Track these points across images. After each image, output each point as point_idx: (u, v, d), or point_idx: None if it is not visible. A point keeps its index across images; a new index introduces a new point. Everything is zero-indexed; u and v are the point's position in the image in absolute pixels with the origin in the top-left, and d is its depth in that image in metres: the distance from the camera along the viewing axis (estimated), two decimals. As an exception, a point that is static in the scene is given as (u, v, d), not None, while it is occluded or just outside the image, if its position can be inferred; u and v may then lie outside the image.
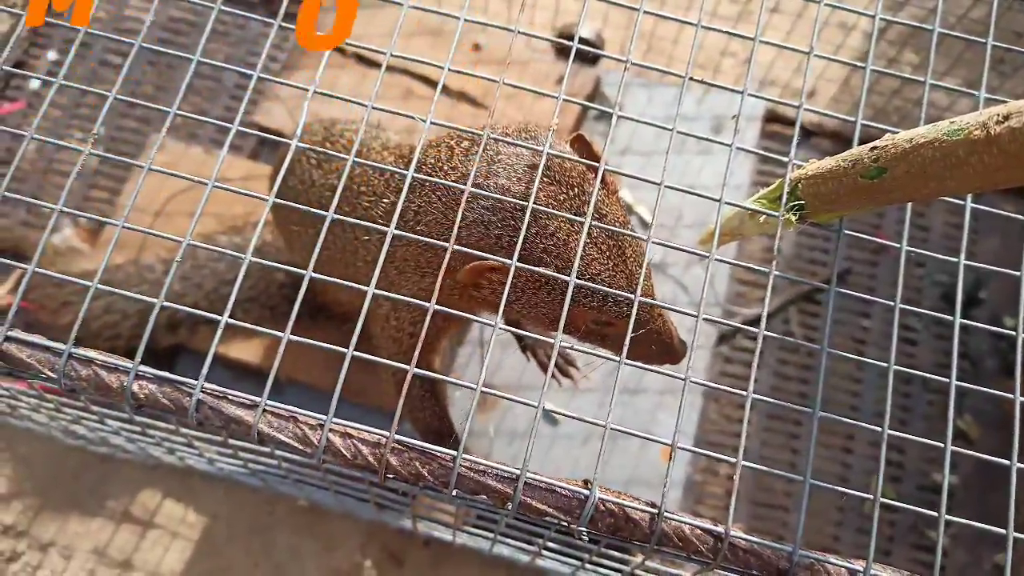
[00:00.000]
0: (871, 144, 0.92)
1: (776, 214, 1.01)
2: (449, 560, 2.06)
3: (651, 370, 0.98)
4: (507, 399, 0.90)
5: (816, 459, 2.25)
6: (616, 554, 1.28)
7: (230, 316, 0.88)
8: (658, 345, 1.19)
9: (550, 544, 1.28)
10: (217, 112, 2.50)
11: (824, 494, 2.19)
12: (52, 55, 2.54)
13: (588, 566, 1.33)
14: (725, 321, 0.96)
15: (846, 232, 1.07)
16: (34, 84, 2.49)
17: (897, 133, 0.90)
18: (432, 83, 2.40)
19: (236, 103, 2.53)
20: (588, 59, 2.47)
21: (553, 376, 1.78)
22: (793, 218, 1.00)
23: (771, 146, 2.53)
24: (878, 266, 2.44)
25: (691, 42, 2.42)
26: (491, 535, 1.39)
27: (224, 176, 2.25)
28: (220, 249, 0.94)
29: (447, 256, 0.93)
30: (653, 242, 0.99)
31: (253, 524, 2.08)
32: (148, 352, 0.90)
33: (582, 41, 2.43)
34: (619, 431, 0.90)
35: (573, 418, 0.91)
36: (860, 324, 2.39)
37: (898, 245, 1.05)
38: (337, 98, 1.06)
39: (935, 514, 0.94)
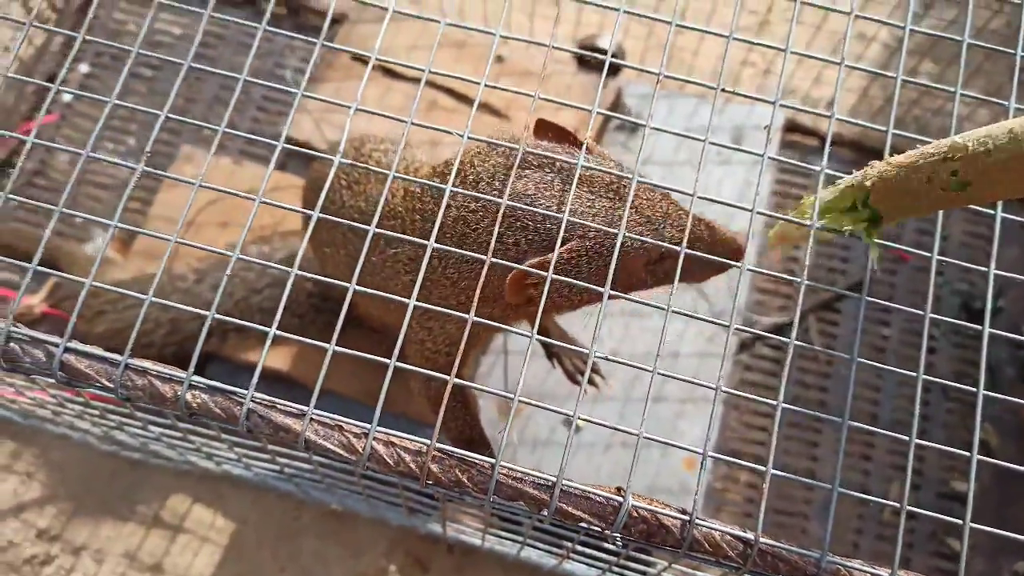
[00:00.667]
0: (943, 155, 0.89)
1: (807, 223, 1.03)
2: (473, 565, 2.09)
3: (679, 378, 1.01)
4: (542, 407, 0.93)
5: (834, 468, 2.26)
6: (642, 557, 1.31)
7: (262, 323, 0.92)
8: (719, 248, 1.20)
9: (578, 548, 1.31)
10: (245, 124, 2.55)
11: (843, 501, 2.21)
12: (84, 68, 2.60)
13: (614, 569, 1.36)
14: (754, 331, 0.99)
15: (880, 242, 1.08)
16: (67, 96, 2.55)
17: (962, 137, 0.89)
18: (456, 95, 2.43)
19: (263, 115, 2.58)
20: (609, 70, 2.50)
21: (578, 383, 1.81)
22: (862, 227, 0.99)
23: (791, 155, 2.55)
24: (897, 274, 2.46)
25: (711, 53, 2.45)
26: (519, 539, 1.42)
27: (252, 187, 2.30)
28: (268, 263, 0.97)
29: (483, 272, 0.96)
30: (686, 252, 1.02)
31: (280, 529, 2.12)
32: (179, 359, 0.94)
33: (603, 51, 2.46)
34: (652, 439, 0.93)
35: (607, 427, 0.94)
36: (880, 332, 2.41)
37: (928, 254, 1.06)
38: (379, 115, 1.09)
39: (959, 521, 0.96)
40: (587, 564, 1.46)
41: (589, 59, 2.47)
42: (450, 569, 2.10)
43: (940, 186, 0.89)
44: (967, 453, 0.99)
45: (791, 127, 2.52)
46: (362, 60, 2.47)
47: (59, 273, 1.02)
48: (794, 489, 2.24)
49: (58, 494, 2.13)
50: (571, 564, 1.62)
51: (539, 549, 1.46)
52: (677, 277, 1.01)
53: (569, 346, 1.03)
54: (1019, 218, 1.25)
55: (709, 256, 1.06)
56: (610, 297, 0.97)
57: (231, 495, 2.14)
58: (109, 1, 2.68)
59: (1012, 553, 2.17)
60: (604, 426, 0.95)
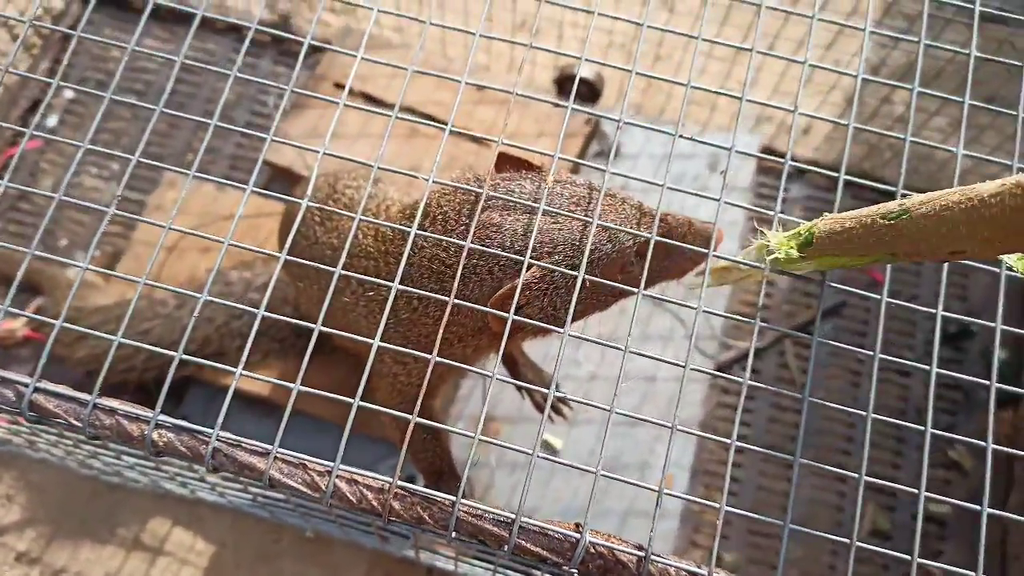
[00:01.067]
0: (875, 221, 0.93)
1: (760, 266, 1.06)
2: (452, 588, 2.11)
3: (643, 419, 1.04)
4: (504, 447, 0.95)
5: (811, 489, 2.29)
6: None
7: (235, 348, 0.95)
8: (692, 239, 1.25)
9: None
10: (228, 149, 2.58)
11: (821, 523, 2.24)
12: (68, 94, 2.62)
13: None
14: (710, 371, 1.02)
15: (831, 284, 1.11)
16: (51, 122, 2.57)
17: (885, 207, 0.92)
18: (437, 121, 2.47)
19: (246, 140, 2.61)
20: (587, 99, 2.54)
21: (546, 413, 1.82)
22: (794, 247, 1.02)
23: (766, 181, 2.59)
24: (870, 300, 2.50)
25: (705, 91, 2.50)
26: (491, 567, 1.44)
27: (233, 212, 2.32)
28: (234, 304, 1.00)
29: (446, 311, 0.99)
30: (645, 295, 1.05)
31: (260, 552, 2.13)
32: (160, 383, 0.96)
33: (583, 81, 2.50)
34: (609, 477, 0.96)
35: (567, 464, 0.96)
36: (856, 356, 2.44)
37: (878, 297, 1.09)
38: (347, 160, 1.12)
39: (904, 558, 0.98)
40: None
41: (568, 87, 2.51)
42: (428, 592, 2.11)
43: (882, 214, 0.91)
44: (906, 492, 1.01)
45: (765, 151, 2.56)
46: (343, 86, 2.49)
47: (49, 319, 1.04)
48: (772, 511, 2.26)
49: (37, 517, 2.14)
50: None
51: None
52: (645, 274, 1.04)
53: (531, 386, 1.06)
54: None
55: (679, 244, 1.11)
56: (574, 321, 1.00)
57: (210, 518, 2.16)
58: (94, 28, 2.70)
59: (986, 573, 2.20)
60: (565, 464, 0.98)
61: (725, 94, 1.15)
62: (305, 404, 2.06)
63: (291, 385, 0.96)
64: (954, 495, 2.30)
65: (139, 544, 2.14)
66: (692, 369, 1.01)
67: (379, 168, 1.08)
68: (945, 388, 2.41)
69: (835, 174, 1.12)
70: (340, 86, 2.54)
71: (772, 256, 1.06)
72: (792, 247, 1.01)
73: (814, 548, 2.23)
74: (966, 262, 1.16)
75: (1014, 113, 1.15)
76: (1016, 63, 1.19)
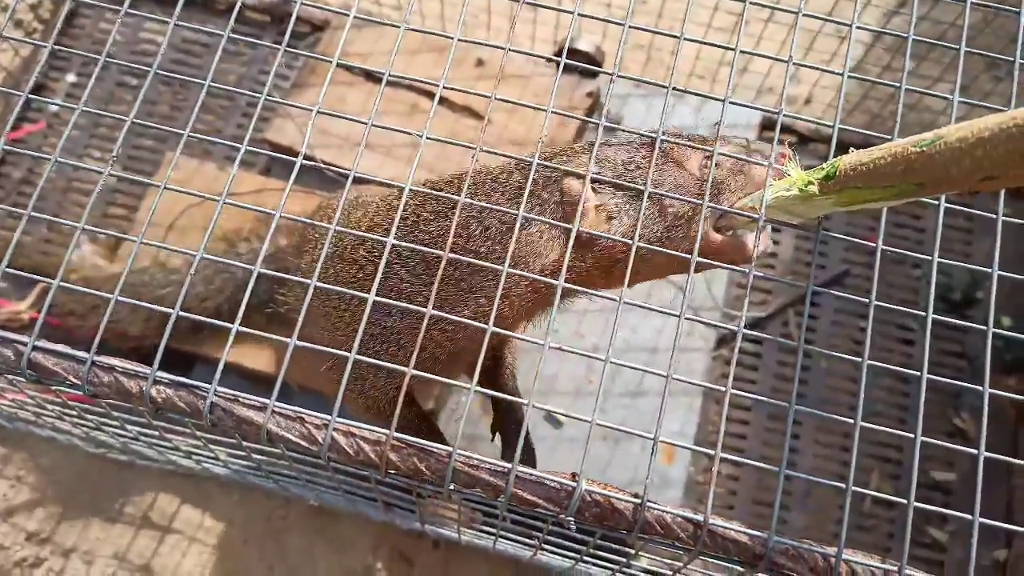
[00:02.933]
0: (903, 154, 0.91)
1: (755, 216, 1.06)
2: (458, 560, 2.12)
3: (635, 367, 1.04)
4: (498, 397, 0.96)
5: (815, 457, 2.29)
6: (614, 547, 1.33)
7: (244, 320, 0.95)
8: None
9: (549, 539, 1.34)
10: (230, 130, 2.59)
11: (825, 493, 2.24)
12: (71, 77, 2.63)
13: (586, 560, 1.39)
14: (698, 319, 1.02)
15: (836, 235, 1.10)
16: (53, 106, 2.58)
17: (918, 138, 0.90)
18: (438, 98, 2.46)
19: (248, 120, 2.61)
20: (588, 72, 2.53)
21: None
22: (815, 183, 1.00)
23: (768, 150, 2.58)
24: (873, 268, 2.49)
25: (690, 53, 2.47)
26: (493, 532, 1.45)
27: (236, 191, 2.33)
28: (230, 262, 1.00)
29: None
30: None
31: (267, 528, 2.15)
32: (169, 353, 0.97)
33: (582, 54, 2.50)
34: (604, 426, 0.96)
35: (560, 414, 0.96)
36: (858, 325, 2.43)
37: (873, 245, 1.09)
38: (340, 116, 1.12)
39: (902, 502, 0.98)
40: (561, 556, 1.49)
41: (569, 59, 2.50)
42: (435, 564, 2.12)
43: (913, 142, 0.89)
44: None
45: (768, 125, 2.55)
46: (345, 66, 2.49)
47: (46, 280, 1.05)
48: (775, 481, 2.26)
49: (47, 497, 2.16)
50: (548, 556, 1.64)
51: (513, 541, 1.49)
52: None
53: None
54: (986, 214, 1.25)
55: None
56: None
57: (218, 495, 2.17)
58: (96, 11, 2.71)
59: (991, 541, 2.20)
60: (558, 413, 0.98)
61: (719, 46, 1.14)
62: (307, 379, 2.07)
63: (287, 340, 0.96)
64: (959, 462, 2.30)
65: (148, 522, 2.15)
66: (686, 318, 1.01)
67: (373, 126, 1.08)
68: (949, 356, 2.40)
69: (828, 124, 1.11)
70: (341, 64, 2.54)
71: (789, 194, 1.04)
72: (813, 182, 1.00)
73: (819, 515, 2.23)
74: (973, 211, 1.16)
75: (1010, 59, 1.14)
76: (1014, 9, 1.18)
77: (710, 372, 2.29)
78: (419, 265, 1.30)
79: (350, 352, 0.94)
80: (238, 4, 1.19)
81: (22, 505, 2.16)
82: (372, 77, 2.51)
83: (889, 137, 1.07)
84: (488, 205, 1.07)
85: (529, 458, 1.61)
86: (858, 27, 1.15)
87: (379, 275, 0.97)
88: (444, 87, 1.14)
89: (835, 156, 1.03)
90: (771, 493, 2.26)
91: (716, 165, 1.22)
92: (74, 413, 1.34)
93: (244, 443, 1.26)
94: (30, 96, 1.13)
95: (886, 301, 1.13)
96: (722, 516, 0.94)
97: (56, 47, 1.15)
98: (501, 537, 1.46)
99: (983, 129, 0.82)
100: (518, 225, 1.02)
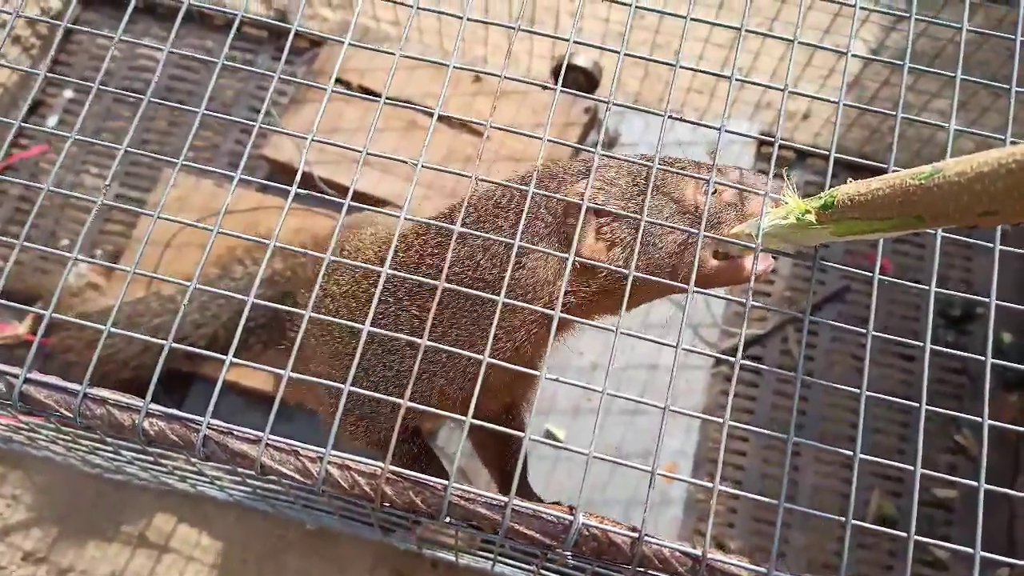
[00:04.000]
0: (901, 186, 0.90)
1: (750, 245, 1.05)
2: (457, 581, 2.11)
3: (634, 399, 1.03)
4: (496, 429, 0.95)
5: (815, 476, 2.28)
6: (611, 574, 1.32)
7: (241, 341, 0.95)
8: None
9: (547, 565, 1.33)
10: (228, 146, 2.58)
11: (825, 510, 2.22)
12: (69, 94, 2.63)
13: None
14: (701, 351, 1.01)
15: (833, 264, 1.10)
16: (51, 122, 2.58)
17: (916, 171, 0.89)
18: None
19: (247, 136, 2.61)
20: (586, 88, 2.53)
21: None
22: (813, 212, 0.99)
23: (766, 168, 2.57)
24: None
25: (691, 70, 2.47)
26: (491, 556, 1.44)
27: (234, 208, 2.33)
28: (222, 291, 1.00)
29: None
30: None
31: (265, 548, 2.14)
32: (169, 378, 0.96)
33: (580, 70, 2.49)
34: (599, 458, 0.95)
35: (555, 446, 0.95)
36: (859, 341, 2.42)
37: (869, 274, 1.08)
38: (335, 145, 1.12)
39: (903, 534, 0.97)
40: (559, 579, 1.47)
41: (567, 77, 2.50)
42: (434, 585, 2.11)
43: (912, 174, 0.88)
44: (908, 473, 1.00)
45: (765, 140, 2.54)
46: (341, 80, 2.49)
47: (35, 310, 1.04)
48: (776, 497, 2.25)
49: (44, 516, 2.15)
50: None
51: (511, 566, 1.47)
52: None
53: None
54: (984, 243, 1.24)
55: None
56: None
57: (215, 515, 2.16)
58: (92, 27, 2.71)
59: (994, 559, 2.18)
60: (554, 446, 0.97)
61: (713, 74, 1.14)
62: (306, 398, 2.07)
63: (281, 372, 0.95)
64: (961, 479, 2.28)
65: (145, 541, 2.14)
66: (685, 349, 1.00)
67: (368, 154, 1.08)
68: (950, 372, 2.39)
69: (825, 151, 1.10)
70: (339, 80, 2.54)
71: (786, 222, 1.03)
72: (810, 211, 0.99)
73: (819, 534, 2.22)
74: (971, 240, 1.15)
75: (1006, 87, 1.14)
76: (1009, 36, 1.18)
77: (710, 390, 2.28)
78: (429, 301, 1.27)
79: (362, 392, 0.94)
80: (236, 21, 1.18)
81: (19, 524, 2.15)
82: (370, 93, 2.51)
83: (885, 166, 1.07)
84: (488, 235, 1.06)
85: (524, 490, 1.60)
86: (853, 55, 1.15)
87: (377, 306, 0.96)
88: (440, 113, 1.13)
89: (833, 174, 1.02)
90: (771, 511, 2.24)
91: (714, 193, 1.22)
92: (68, 438, 1.33)
93: (239, 470, 1.26)
94: (23, 124, 1.12)
95: (887, 317, 1.13)
96: (717, 535, 0.93)
97: (49, 74, 1.14)
98: (499, 562, 1.44)
99: (982, 164, 0.82)
100: (514, 253, 1.01)
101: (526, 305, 0.98)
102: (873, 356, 2.43)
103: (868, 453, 1.03)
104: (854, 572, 2.15)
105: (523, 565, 1.43)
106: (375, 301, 0.97)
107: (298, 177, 1.10)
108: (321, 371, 1.45)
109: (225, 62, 1.13)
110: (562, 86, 1.21)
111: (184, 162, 1.07)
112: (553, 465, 2.09)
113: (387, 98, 1.14)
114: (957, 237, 1.14)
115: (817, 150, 1.18)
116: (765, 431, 0.98)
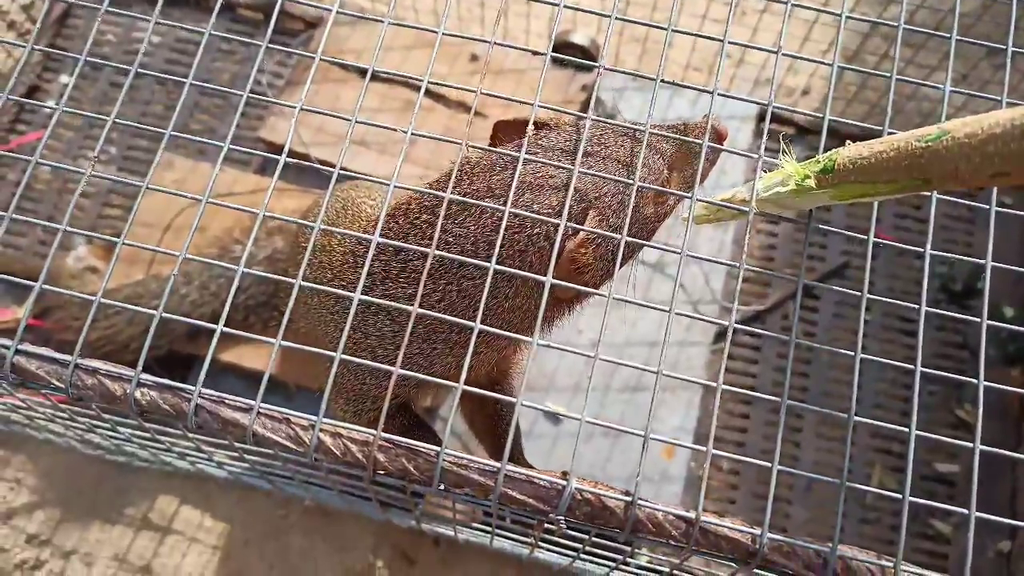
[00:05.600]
0: (908, 148, 0.89)
1: (744, 208, 1.04)
2: (460, 558, 2.11)
3: (626, 364, 1.02)
4: (488, 396, 0.94)
5: (816, 451, 2.28)
6: (612, 545, 1.32)
7: (240, 319, 0.95)
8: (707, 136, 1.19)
9: (545, 537, 1.33)
10: (225, 129, 2.57)
11: (827, 487, 2.22)
12: (64, 78, 2.62)
13: (584, 557, 1.38)
14: (691, 314, 1.00)
15: (830, 229, 1.09)
16: (47, 108, 2.58)
17: (923, 132, 0.87)
18: (432, 94, 2.45)
19: (243, 119, 2.60)
20: (584, 65, 2.51)
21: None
22: (812, 177, 0.98)
23: (765, 143, 2.56)
24: (876, 259, 2.47)
25: (685, 45, 2.45)
26: (488, 530, 1.44)
27: (232, 190, 2.33)
28: (213, 262, 0.99)
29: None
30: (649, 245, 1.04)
31: (267, 528, 2.14)
32: (168, 360, 0.96)
33: (577, 48, 2.48)
34: (593, 423, 0.95)
35: (545, 410, 0.95)
36: (859, 317, 2.41)
37: (863, 237, 1.08)
38: (323, 113, 1.11)
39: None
40: (558, 553, 1.48)
41: (564, 53, 2.48)
42: (436, 561, 2.11)
43: (918, 136, 0.87)
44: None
45: (765, 116, 2.53)
46: (339, 64, 2.48)
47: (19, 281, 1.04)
48: (777, 474, 2.25)
49: (47, 499, 2.16)
50: (547, 554, 1.63)
51: (510, 540, 1.48)
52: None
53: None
54: (984, 206, 1.24)
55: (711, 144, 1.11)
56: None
57: (218, 495, 2.17)
58: (90, 11, 2.70)
59: (996, 532, 2.18)
60: (544, 410, 0.97)
61: (707, 37, 1.13)
62: (304, 378, 2.07)
63: (272, 341, 0.95)
64: (962, 455, 2.28)
65: (148, 523, 2.15)
66: (677, 313, 0.99)
67: (357, 122, 1.07)
68: (951, 347, 2.39)
69: (818, 115, 1.09)
70: (333, 62, 2.52)
71: (785, 189, 1.02)
72: (810, 176, 0.97)
73: (821, 509, 2.21)
74: (974, 206, 1.14)
75: (1003, 47, 1.12)
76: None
77: (710, 367, 2.28)
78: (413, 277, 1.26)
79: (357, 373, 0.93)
80: (218, 3, 1.18)
81: (22, 507, 2.15)
82: (366, 74, 2.50)
83: (882, 129, 1.06)
84: (483, 203, 1.05)
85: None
86: (848, 17, 1.13)
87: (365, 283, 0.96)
88: (429, 83, 1.12)
89: (829, 147, 1.01)
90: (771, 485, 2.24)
91: (660, 152, 1.23)
92: (65, 416, 1.34)
93: (235, 444, 1.26)
94: (9, 97, 1.11)
95: (888, 292, 1.12)
96: (719, 511, 0.93)
97: (36, 47, 1.14)
98: (497, 535, 1.45)
99: (994, 125, 0.80)
100: (489, 276, 0.98)
101: (518, 272, 0.98)
102: (875, 332, 2.42)
103: (868, 426, 1.03)
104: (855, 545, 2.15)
105: (521, 538, 1.44)
106: (364, 272, 0.96)
107: (286, 149, 1.10)
108: (314, 339, 1.45)
109: (213, 32, 1.12)
110: (560, 63, 1.20)
111: (173, 133, 1.07)
112: (553, 442, 2.09)
113: (376, 70, 1.13)
114: (958, 210, 1.13)
115: (815, 115, 1.17)
116: (757, 394, 0.98)
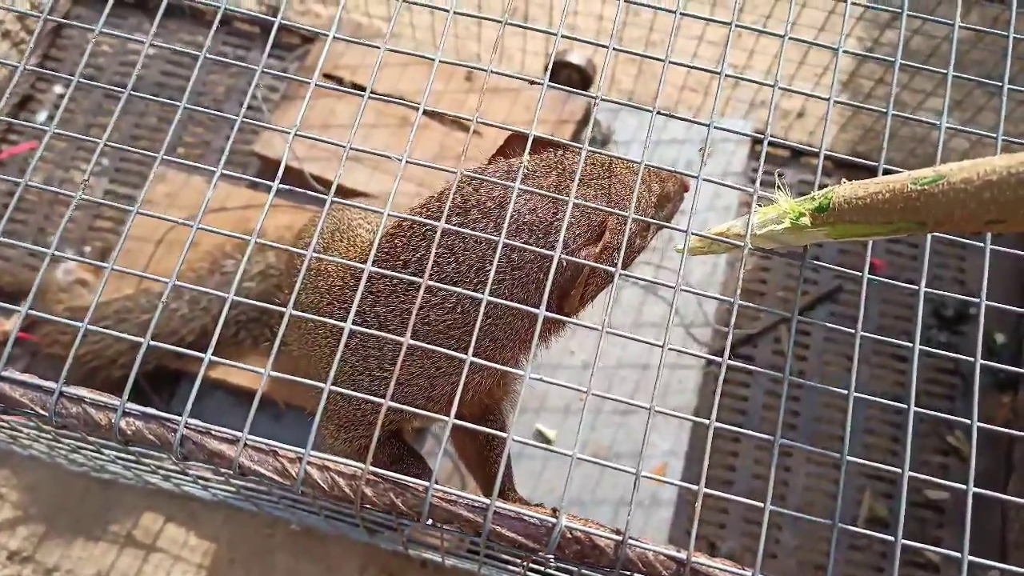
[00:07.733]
0: (902, 191, 0.88)
1: (738, 243, 1.04)
2: (446, 581, 2.09)
3: (615, 399, 1.02)
4: (478, 430, 0.93)
5: (806, 477, 2.27)
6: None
7: (230, 335, 0.94)
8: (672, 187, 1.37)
9: (533, 567, 1.31)
10: (219, 142, 2.57)
11: (817, 512, 2.22)
12: (59, 89, 2.61)
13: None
14: (685, 350, 1.00)
15: (824, 265, 1.08)
16: (41, 117, 2.56)
17: (918, 174, 0.87)
18: (428, 112, 2.44)
19: (237, 133, 2.59)
20: (579, 85, 2.51)
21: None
22: (808, 215, 0.97)
23: (759, 166, 2.57)
24: (869, 284, 2.46)
25: (682, 66, 2.46)
26: (476, 558, 1.42)
27: (224, 205, 2.31)
28: (202, 289, 0.98)
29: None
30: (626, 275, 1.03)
31: (253, 548, 2.12)
32: (157, 376, 0.95)
33: (574, 67, 2.48)
34: (584, 460, 0.94)
35: (539, 447, 0.94)
36: (851, 342, 2.41)
37: (858, 274, 1.07)
38: (320, 140, 1.10)
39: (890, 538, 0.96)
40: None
41: (560, 74, 2.48)
42: (423, 585, 2.10)
43: (914, 179, 0.86)
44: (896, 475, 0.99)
45: (760, 139, 2.53)
46: (333, 77, 2.48)
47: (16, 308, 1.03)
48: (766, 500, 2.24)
49: (30, 515, 2.13)
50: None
51: (497, 568, 1.46)
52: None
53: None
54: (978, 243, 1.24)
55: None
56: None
57: (203, 514, 2.14)
58: (85, 21, 2.69)
59: (986, 558, 2.17)
60: (537, 447, 0.96)
61: (703, 69, 1.12)
62: (294, 396, 2.05)
63: (260, 371, 0.94)
64: (952, 481, 2.27)
65: (132, 541, 2.12)
66: (671, 348, 0.98)
67: (352, 149, 1.06)
68: (943, 373, 2.39)
69: (814, 148, 1.09)
70: (330, 76, 2.52)
71: (779, 227, 1.01)
72: (804, 213, 0.96)
73: (811, 536, 2.20)
74: (967, 241, 1.13)
75: (999, 84, 1.12)
76: (1002, 33, 1.16)
77: (702, 389, 2.27)
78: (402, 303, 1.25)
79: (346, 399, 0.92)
80: (216, 19, 1.17)
81: (4, 523, 2.13)
82: (362, 89, 2.49)
83: (877, 164, 1.05)
84: (476, 233, 1.05)
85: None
86: (844, 51, 1.13)
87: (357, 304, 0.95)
88: (426, 108, 1.11)
89: (827, 173, 1.01)
90: (762, 513, 2.23)
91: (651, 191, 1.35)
92: (49, 436, 1.32)
93: (221, 470, 1.24)
94: (9, 119, 1.10)
95: (880, 317, 1.11)
96: (708, 536, 0.92)
97: (28, 67, 1.13)
98: (485, 564, 1.43)
99: (990, 172, 0.80)
100: (482, 308, 0.98)
101: (513, 304, 0.97)
102: (866, 357, 2.42)
103: (860, 454, 1.02)
104: (844, 574, 2.15)
105: (510, 567, 1.42)
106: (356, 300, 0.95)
107: (280, 170, 1.09)
108: (304, 366, 1.44)
109: (208, 55, 1.11)
110: (556, 83, 1.20)
111: (166, 156, 1.05)
112: (543, 464, 2.07)
113: (377, 94, 1.13)
114: (950, 237, 1.13)
115: (810, 148, 1.17)
116: (751, 432, 0.97)
